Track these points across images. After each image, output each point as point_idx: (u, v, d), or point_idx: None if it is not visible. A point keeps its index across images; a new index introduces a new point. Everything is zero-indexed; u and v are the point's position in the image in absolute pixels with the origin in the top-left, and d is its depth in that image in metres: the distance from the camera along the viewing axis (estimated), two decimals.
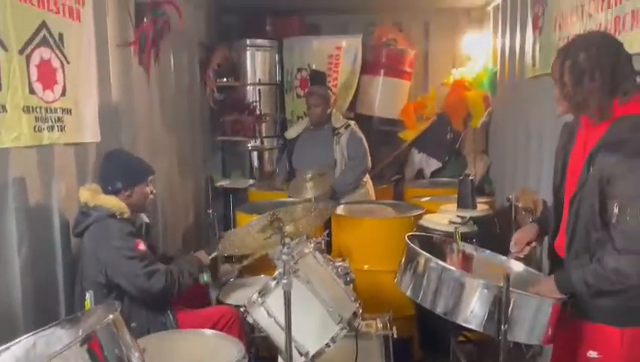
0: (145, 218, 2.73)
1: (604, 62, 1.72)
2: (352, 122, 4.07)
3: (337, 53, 5.13)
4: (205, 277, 2.71)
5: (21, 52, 2.30)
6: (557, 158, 2.03)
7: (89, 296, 1.97)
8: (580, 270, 1.78)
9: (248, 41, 5.15)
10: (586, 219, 1.79)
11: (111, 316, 1.50)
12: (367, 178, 4.09)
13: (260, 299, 2.33)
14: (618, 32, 2.33)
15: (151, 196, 2.70)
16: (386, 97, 5.23)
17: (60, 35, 2.56)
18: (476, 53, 5.21)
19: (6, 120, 2.20)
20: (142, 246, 2.47)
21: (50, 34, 2.49)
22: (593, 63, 1.72)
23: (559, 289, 1.84)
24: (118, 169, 2.61)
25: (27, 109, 2.33)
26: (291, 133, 4.27)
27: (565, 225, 1.90)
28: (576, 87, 1.76)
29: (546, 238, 2.14)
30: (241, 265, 3.03)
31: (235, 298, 2.88)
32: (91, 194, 2.52)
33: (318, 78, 4.18)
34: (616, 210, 1.68)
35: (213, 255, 2.79)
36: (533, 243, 2.15)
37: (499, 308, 1.79)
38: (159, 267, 2.48)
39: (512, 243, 2.17)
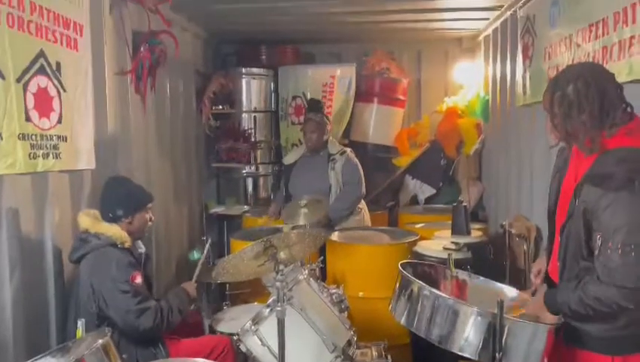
0: (142, 247, 2.71)
1: (592, 95, 1.74)
2: (348, 149, 4.10)
3: (331, 81, 5.21)
4: (195, 255, 2.64)
5: (18, 80, 2.32)
6: (552, 181, 2.05)
7: (80, 324, 1.95)
8: (566, 293, 1.80)
9: (244, 70, 5.24)
10: (574, 248, 1.81)
11: (100, 341, 1.48)
12: (362, 204, 4.10)
13: (253, 326, 2.31)
14: (606, 62, 2.39)
15: (150, 223, 2.69)
16: (380, 124, 5.29)
17: (58, 64, 2.60)
18: (468, 81, 5.30)
19: (1, 147, 2.21)
20: (138, 280, 2.44)
21: (47, 63, 2.52)
22: (581, 96, 1.74)
23: (547, 306, 1.87)
24: (120, 196, 2.60)
25: (23, 136, 2.34)
26: (289, 159, 4.29)
27: (557, 252, 1.92)
28: (566, 119, 1.79)
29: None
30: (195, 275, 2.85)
31: (228, 326, 2.86)
32: (92, 221, 2.50)
33: (314, 106, 4.23)
34: (598, 242, 1.69)
35: (194, 277, 2.76)
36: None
37: (493, 336, 1.79)
38: (150, 305, 2.44)
39: (533, 273, 2.18)
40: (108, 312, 2.39)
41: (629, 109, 1.77)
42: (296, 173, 4.11)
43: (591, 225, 1.73)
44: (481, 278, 2.38)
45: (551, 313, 1.86)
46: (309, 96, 5.20)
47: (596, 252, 1.71)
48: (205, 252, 2.58)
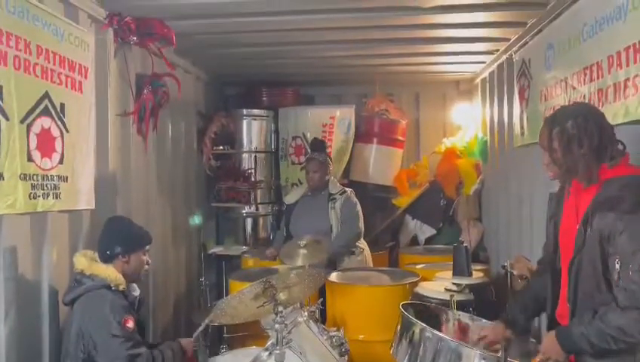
0: (137, 290, 2.67)
1: (591, 130, 1.80)
2: (349, 189, 4.11)
3: (331, 122, 5.28)
4: (196, 220, 2.54)
5: (22, 121, 2.35)
6: (548, 226, 2.06)
7: None
8: (582, 327, 1.74)
9: (245, 111, 5.31)
10: (588, 283, 1.78)
11: None
12: (364, 245, 4.07)
13: None
14: (602, 104, 2.43)
15: (146, 267, 2.66)
16: (380, 165, 5.32)
17: (62, 105, 2.64)
18: (466, 122, 5.37)
19: (2, 187, 2.22)
20: (130, 324, 2.37)
21: (52, 104, 2.56)
22: (581, 130, 1.80)
23: (561, 345, 1.79)
24: (119, 234, 2.59)
25: (24, 177, 2.35)
26: (290, 198, 4.28)
27: (566, 293, 1.89)
28: (566, 153, 1.83)
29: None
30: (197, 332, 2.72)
31: None
32: (88, 262, 2.47)
33: (318, 146, 4.26)
34: (617, 267, 1.68)
35: (198, 331, 2.65)
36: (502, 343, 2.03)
37: None
38: (141, 351, 2.37)
39: (480, 335, 2.09)
40: (96, 358, 2.32)
41: (620, 146, 1.85)
42: (298, 213, 4.10)
43: (607, 251, 1.72)
44: (484, 320, 2.35)
45: (566, 352, 1.79)
46: (309, 137, 5.26)
47: (615, 277, 1.69)
48: (202, 328, 2.47)
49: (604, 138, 1.81)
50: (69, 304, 2.47)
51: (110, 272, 2.45)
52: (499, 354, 1.75)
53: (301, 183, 5.35)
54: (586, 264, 1.78)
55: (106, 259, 2.51)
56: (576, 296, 1.83)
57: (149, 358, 2.39)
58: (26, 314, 2.41)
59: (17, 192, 2.30)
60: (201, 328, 2.49)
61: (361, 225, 3.97)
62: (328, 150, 5.19)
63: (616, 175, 1.78)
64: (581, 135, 1.80)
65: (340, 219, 3.92)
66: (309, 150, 5.30)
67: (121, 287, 2.46)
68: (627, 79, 2.22)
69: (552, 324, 2.01)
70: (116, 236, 2.58)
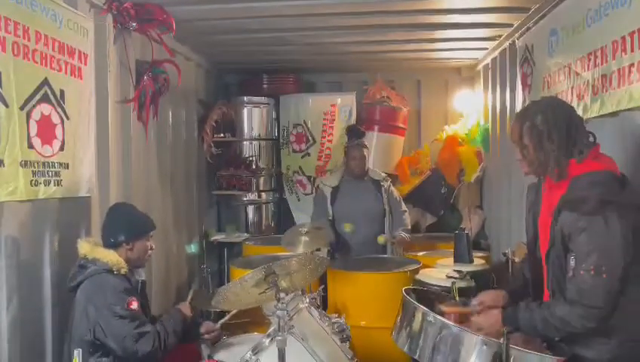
0: (142, 275, 2.69)
1: (560, 123, 1.84)
2: (384, 174, 4.24)
3: (332, 110, 5.26)
4: (193, 248, 2.62)
5: (22, 108, 2.34)
6: (527, 216, 2.11)
7: (77, 353, 1.91)
8: (529, 313, 1.84)
9: (246, 99, 5.29)
10: (558, 275, 1.85)
11: None
12: None
13: (253, 356, 2.27)
14: (605, 90, 2.41)
15: (150, 252, 2.67)
16: (381, 152, 5.30)
17: (62, 92, 2.62)
18: (468, 109, 5.34)
19: (3, 174, 2.21)
20: (134, 306, 2.41)
21: (51, 91, 2.54)
22: (550, 125, 1.84)
23: (504, 321, 1.88)
24: (123, 221, 2.60)
25: (25, 164, 2.34)
26: (332, 181, 4.16)
27: (546, 282, 1.95)
28: (537, 149, 1.86)
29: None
30: (223, 320, 2.90)
31: (228, 356, 2.79)
32: (91, 247, 2.49)
33: (356, 132, 4.22)
34: (572, 263, 1.77)
35: (190, 295, 2.75)
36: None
37: None
38: (148, 329, 2.42)
39: (474, 301, 2.14)
40: (105, 340, 2.35)
41: (591, 138, 1.88)
42: (345, 197, 4.04)
43: (568, 248, 1.79)
44: None
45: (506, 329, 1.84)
46: (310, 124, 5.24)
47: (570, 273, 1.78)
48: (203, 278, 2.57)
49: (572, 132, 1.84)
50: (73, 289, 2.48)
51: (112, 256, 2.46)
52: (500, 340, 1.75)
53: (302, 171, 5.35)
54: (556, 257, 1.85)
55: (110, 247, 2.52)
56: (553, 284, 1.89)
57: (156, 335, 2.43)
58: (28, 301, 2.42)
59: (18, 179, 2.30)
60: (191, 293, 2.52)
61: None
62: (329, 138, 5.21)
63: (584, 171, 1.81)
64: (551, 130, 1.83)
65: (391, 205, 4.02)
66: (310, 138, 5.30)
67: (122, 271, 2.48)
68: (632, 64, 2.20)
69: None
70: (119, 224, 2.58)
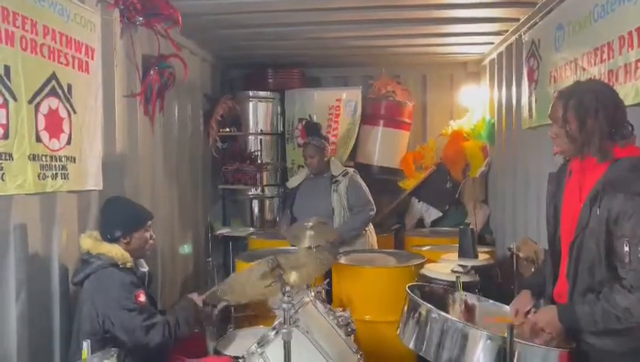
0: (145, 266, 2.70)
1: (608, 104, 1.79)
2: (351, 169, 4.09)
3: (337, 104, 5.25)
4: (186, 249, 2.61)
5: (30, 102, 2.36)
6: (548, 208, 2.05)
7: (85, 345, 1.93)
8: (587, 306, 1.78)
9: (251, 93, 5.30)
10: (590, 262, 1.80)
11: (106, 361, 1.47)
12: (369, 226, 4.08)
13: (258, 349, 2.28)
14: (612, 85, 2.40)
15: (151, 241, 2.68)
16: (386, 147, 5.30)
17: (69, 86, 2.64)
18: (474, 104, 5.32)
19: (12, 167, 2.24)
20: (142, 298, 2.43)
21: (59, 85, 2.56)
22: (598, 104, 1.79)
23: (560, 319, 1.84)
24: (116, 217, 2.60)
25: (33, 157, 2.36)
26: (293, 182, 4.30)
27: (565, 272, 1.90)
28: (581, 126, 1.81)
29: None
30: (222, 305, 2.89)
31: (233, 349, 2.82)
32: (93, 242, 2.50)
33: (312, 129, 4.22)
34: (626, 249, 1.69)
35: (205, 295, 2.74)
36: (533, 310, 2.10)
37: (503, 360, 1.76)
38: (158, 320, 2.43)
39: (512, 313, 2.14)
40: (115, 332, 2.37)
41: (630, 128, 1.83)
42: (301, 197, 4.10)
43: (614, 232, 1.73)
44: (490, 301, 2.36)
45: (565, 328, 1.82)
46: (315, 119, 5.24)
47: (626, 259, 1.70)
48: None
49: (617, 115, 1.80)
50: (79, 284, 2.50)
51: (116, 251, 2.48)
52: (505, 335, 1.75)
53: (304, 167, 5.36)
54: (589, 241, 1.79)
55: (109, 242, 2.53)
56: (576, 273, 1.84)
57: (165, 324, 2.44)
58: (36, 294, 2.44)
59: (27, 172, 2.32)
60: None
61: (373, 206, 3.95)
62: (334, 132, 5.21)
63: (627, 155, 1.77)
64: (597, 108, 1.78)
65: (349, 203, 3.90)
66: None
67: (128, 264, 2.49)
68: (638, 60, 2.20)
69: (550, 303, 2.03)
70: (114, 220, 2.58)
